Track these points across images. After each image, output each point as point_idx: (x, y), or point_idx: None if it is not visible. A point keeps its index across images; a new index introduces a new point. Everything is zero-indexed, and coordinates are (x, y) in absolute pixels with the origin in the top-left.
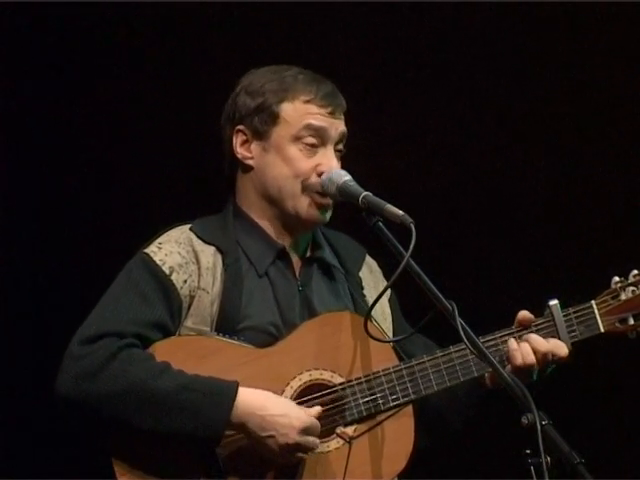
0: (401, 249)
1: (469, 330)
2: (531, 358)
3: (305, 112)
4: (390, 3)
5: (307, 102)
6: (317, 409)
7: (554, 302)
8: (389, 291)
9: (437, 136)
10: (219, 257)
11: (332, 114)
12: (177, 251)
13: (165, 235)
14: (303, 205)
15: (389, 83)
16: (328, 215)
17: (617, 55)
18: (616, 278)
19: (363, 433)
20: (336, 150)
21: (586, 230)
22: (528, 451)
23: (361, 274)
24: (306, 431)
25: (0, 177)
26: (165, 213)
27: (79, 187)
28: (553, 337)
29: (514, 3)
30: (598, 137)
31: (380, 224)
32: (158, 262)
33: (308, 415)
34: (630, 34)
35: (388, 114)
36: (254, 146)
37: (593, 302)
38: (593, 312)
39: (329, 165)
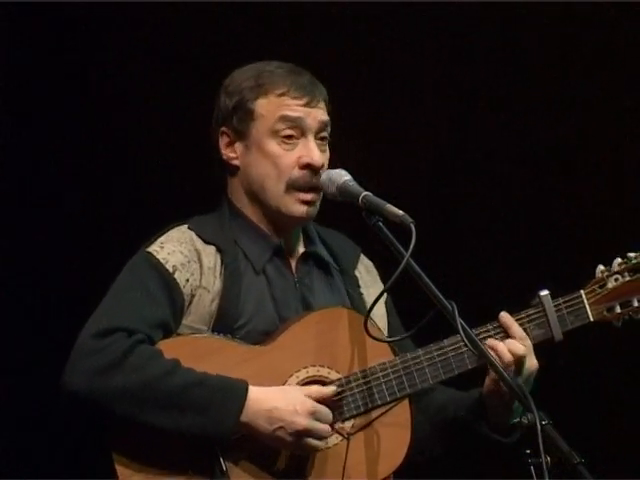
0: (401, 249)
1: (469, 330)
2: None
3: (280, 105)
4: (388, 3)
5: (281, 95)
6: (331, 389)
7: (545, 293)
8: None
9: (434, 135)
10: (219, 256)
11: (308, 104)
12: (179, 250)
13: (166, 235)
14: (287, 204)
15: (388, 82)
16: (314, 209)
17: (608, 56)
18: (601, 267)
19: (361, 429)
20: (318, 139)
21: (566, 221)
22: (528, 451)
23: (357, 273)
24: (313, 415)
25: (3, 173)
26: (158, 210)
27: (77, 183)
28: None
29: (511, 3)
30: (588, 132)
31: (380, 224)
32: (161, 260)
33: (312, 399)
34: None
35: (388, 113)
36: (237, 146)
37: (582, 291)
38: (582, 301)
39: (310, 156)
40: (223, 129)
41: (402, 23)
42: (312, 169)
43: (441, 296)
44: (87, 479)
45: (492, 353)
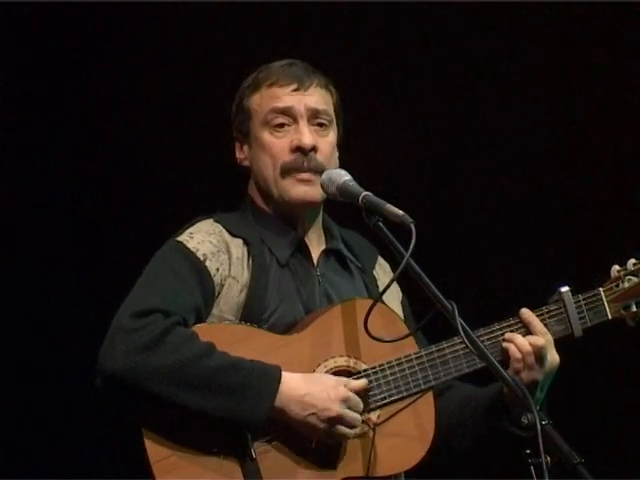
0: (401, 249)
1: (469, 330)
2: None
3: (270, 96)
4: (389, 3)
5: (270, 85)
6: (363, 382)
7: (565, 289)
8: (400, 294)
9: (435, 133)
10: (246, 249)
11: (297, 90)
12: (209, 240)
13: (194, 226)
14: (286, 188)
15: (388, 82)
16: (314, 190)
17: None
18: (616, 267)
19: (386, 419)
20: (315, 125)
21: (568, 220)
22: (528, 451)
23: (375, 273)
24: (345, 402)
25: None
26: (159, 211)
27: (77, 183)
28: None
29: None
30: (598, 129)
31: (380, 224)
32: (192, 249)
33: (346, 388)
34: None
35: (388, 113)
36: (245, 147)
37: (601, 289)
38: (601, 299)
39: (299, 138)
40: (235, 134)
41: (402, 23)
42: (302, 151)
43: (441, 296)
44: (87, 479)
45: (511, 347)
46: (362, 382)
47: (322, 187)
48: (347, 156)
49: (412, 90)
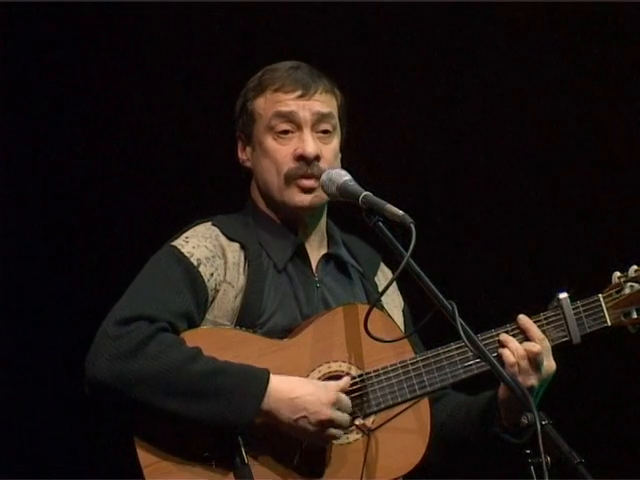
0: (401, 249)
1: (469, 330)
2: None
3: (274, 101)
4: (388, 3)
5: (276, 90)
6: (346, 380)
7: (564, 295)
8: (402, 302)
9: (435, 134)
10: (243, 253)
11: (303, 96)
12: (204, 245)
13: (191, 230)
14: (290, 195)
15: (388, 82)
16: (317, 198)
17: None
18: (617, 273)
19: (381, 425)
20: (320, 131)
21: (567, 222)
22: (528, 451)
23: (376, 279)
24: (336, 405)
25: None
26: (161, 212)
27: (76, 184)
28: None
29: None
30: (599, 134)
31: (380, 224)
32: (186, 254)
33: (335, 390)
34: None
35: (388, 113)
36: (247, 148)
37: (600, 296)
38: (600, 305)
39: (303, 147)
40: (237, 134)
41: (402, 24)
42: (305, 160)
43: (441, 296)
44: (86, 479)
45: (505, 352)
46: (346, 380)
47: (322, 187)
48: (348, 156)
49: (413, 90)
